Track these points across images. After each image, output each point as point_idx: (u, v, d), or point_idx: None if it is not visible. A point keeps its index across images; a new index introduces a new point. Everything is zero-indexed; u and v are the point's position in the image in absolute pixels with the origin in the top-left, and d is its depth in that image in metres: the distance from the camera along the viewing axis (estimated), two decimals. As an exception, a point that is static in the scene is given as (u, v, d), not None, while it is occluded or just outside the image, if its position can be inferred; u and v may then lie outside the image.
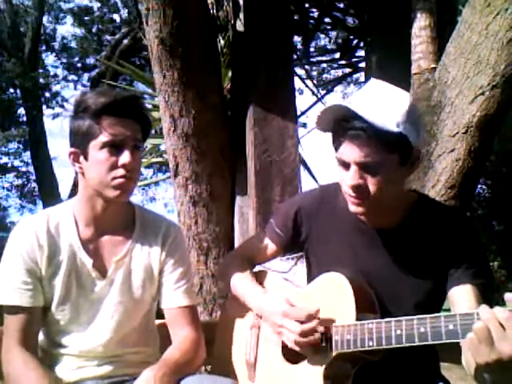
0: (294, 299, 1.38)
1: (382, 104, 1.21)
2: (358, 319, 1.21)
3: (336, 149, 1.26)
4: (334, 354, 1.23)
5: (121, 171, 1.28)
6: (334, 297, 1.28)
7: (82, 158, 1.32)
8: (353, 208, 1.28)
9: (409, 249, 1.33)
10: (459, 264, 1.28)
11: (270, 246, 1.54)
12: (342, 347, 1.21)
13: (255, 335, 1.46)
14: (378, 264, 1.35)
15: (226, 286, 1.57)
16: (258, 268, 1.61)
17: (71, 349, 1.36)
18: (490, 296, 1.25)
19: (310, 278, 1.50)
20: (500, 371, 0.99)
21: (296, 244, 1.50)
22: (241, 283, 1.49)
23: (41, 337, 1.37)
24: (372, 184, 1.22)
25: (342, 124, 1.21)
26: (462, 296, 1.26)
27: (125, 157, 1.28)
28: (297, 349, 1.28)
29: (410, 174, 1.34)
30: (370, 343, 1.16)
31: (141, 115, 1.34)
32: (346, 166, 1.24)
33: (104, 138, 1.27)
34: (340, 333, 1.22)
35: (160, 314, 1.51)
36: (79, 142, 1.31)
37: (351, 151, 1.21)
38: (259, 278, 1.53)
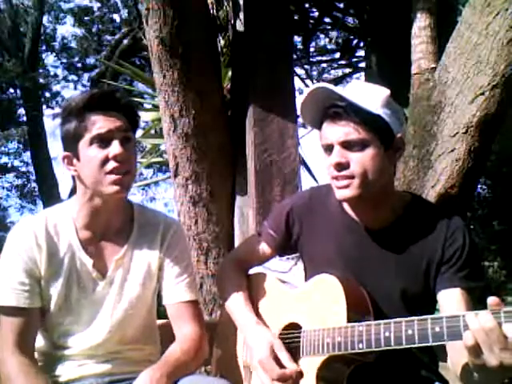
0: (288, 302, 1.39)
1: (360, 91, 1.28)
2: (349, 320, 1.21)
3: (320, 137, 1.31)
4: (325, 356, 1.23)
5: (112, 163, 1.28)
6: (326, 298, 1.29)
7: (75, 161, 1.32)
8: (339, 193, 1.28)
9: (400, 249, 1.32)
10: (451, 265, 1.28)
11: (265, 247, 1.54)
12: (333, 350, 1.21)
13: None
14: (369, 264, 1.35)
15: (222, 298, 1.55)
16: (255, 269, 1.61)
17: (72, 349, 1.35)
18: (481, 299, 1.25)
19: (306, 277, 1.50)
20: (486, 372, 1.00)
21: (289, 245, 1.50)
22: (235, 307, 1.47)
23: (41, 341, 1.37)
24: (354, 162, 1.24)
25: (324, 109, 1.28)
26: (451, 302, 1.26)
27: (114, 148, 1.28)
28: None
29: (394, 163, 1.36)
30: (360, 345, 1.16)
31: (123, 107, 1.34)
32: (330, 149, 1.27)
33: (90, 134, 1.28)
34: (331, 335, 1.22)
35: (160, 315, 1.51)
36: (69, 145, 1.32)
37: (332, 131, 1.26)
38: (254, 281, 1.53)
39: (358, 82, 1.34)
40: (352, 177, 1.25)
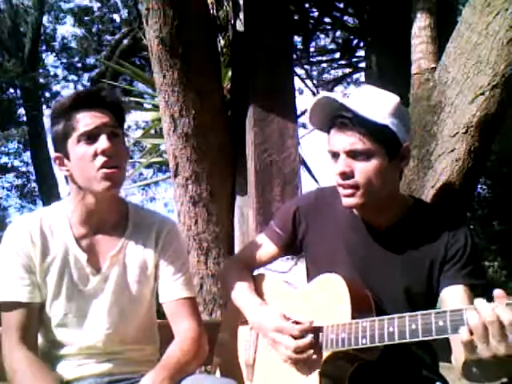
0: (292, 302, 1.39)
1: (369, 100, 1.29)
2: (353, 319, 1.22)
3: (328, 142, 1.33)
4: (329, 352, 1.24)
5: (101, 158, 1.28)
6: (330, 297, 1.29)
7: (66, 161, 1.33)
8: (344, 201, 1.32)
9: (405, 248, 1.34)
10: (454, 263, 1.31)
11: (270, 246, 1.54)
12: (336, 345, 1.22)
13: (254, 335, 1.46)
14: (375, 263, 1.36)
15: (227, 295, 1.56)
16: (258, 270, 1.61)
17: (70, 347, 1.35)
18: (483, 296, 1.26)
19: (308, 277, 1.50)
20: (483, 366, 1.04)
21: (295, 244, 1.51)
22: (239, 294, 1.48)
23: (39, 340, 1.36)
24: (359, 171, 1.27)
25: (332, 117, 1.30)
26: (455, 299, 1.27)
27: (102, 142, 1.28)
28: (291, 364, 1.28)
29: (400, 171, 1.37)
30: (364, 341, 1.17)
31: (109, 103, 1.34)
32: (336, 156, 1.30)
33: (77, 132, 1.28)
34: (335, 331, 1.23)
35: (159, 315, 1.50)
36: (59, 145, 1.33)
37: (339, 140, 1.29)
38: (258, 281, 1.53)
39: (369, 88, 1.35)
40: (356, 186, 1.28)
